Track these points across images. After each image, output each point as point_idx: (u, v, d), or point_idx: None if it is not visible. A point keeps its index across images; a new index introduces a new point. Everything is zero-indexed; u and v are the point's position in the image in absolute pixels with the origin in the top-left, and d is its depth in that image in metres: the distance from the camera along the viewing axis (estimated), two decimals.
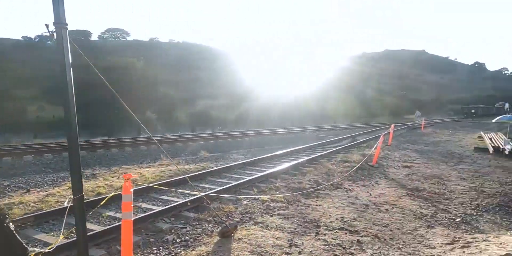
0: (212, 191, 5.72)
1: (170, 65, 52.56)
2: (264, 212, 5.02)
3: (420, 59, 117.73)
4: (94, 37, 70.98)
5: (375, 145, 9.99)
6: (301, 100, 44.29)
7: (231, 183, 6.45)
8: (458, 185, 7.53)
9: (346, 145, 12.54)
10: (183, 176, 6.40)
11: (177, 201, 5.21)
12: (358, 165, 8.51)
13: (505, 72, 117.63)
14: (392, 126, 14.35)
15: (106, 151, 11.34)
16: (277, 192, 6.05)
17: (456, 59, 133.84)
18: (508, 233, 4.30)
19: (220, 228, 4.14)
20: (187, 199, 5.16)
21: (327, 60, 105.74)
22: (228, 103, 39.30)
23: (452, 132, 22.49)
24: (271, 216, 4.86)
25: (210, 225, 4.44)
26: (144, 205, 5.30)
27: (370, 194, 6.36)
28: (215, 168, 7.94)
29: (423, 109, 50.23)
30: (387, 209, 5.42)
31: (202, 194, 5.00)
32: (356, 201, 5.84)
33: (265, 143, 15.20)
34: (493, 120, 14.20)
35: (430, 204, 5.95)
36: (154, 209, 4.86)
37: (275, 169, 7.64)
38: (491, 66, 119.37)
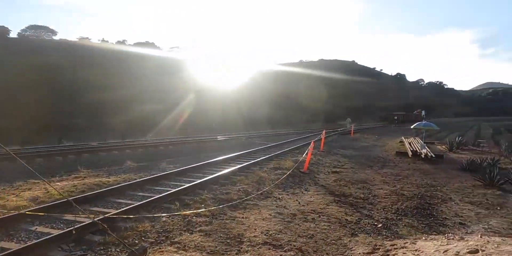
0: (126, 207, 5.10)
1: (102, 67, 49.11)
2: (184, 229, 4.56)
3: (351, 69, 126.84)
4: (14, 34, 63.69)
5: (306, 151, 10.10)
6: (239, 107, 44.50)
7: (152, 196, 5.86)
8: (381, 189, 7.85)
9: (280, 152, 12.57)
10: (67, 199, 5.64)
11: (83, 222, 4.50)
12: (289, 172, 8.46)
13: (422, 83, 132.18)
14: (324, 132, 14.84)
15: (10, 163, 9.82)
16: (202, 205, 5.62)
17: (381, 70, 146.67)
18: (423, 238, 4.42)
19: (127, 254, 3.59)
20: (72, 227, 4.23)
21: (266, 66, 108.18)
22: (165, 109, 37.77)
23: (378, 137, 24.21)
24: (191, 233, 4.42)
25: (118, 250, 3.85)
26: (40, 229, 4.48)
27: (299, 203, 6.26)
28: (137, 180, 7.22)
29: (354, 116, 53.89)
30: (313, 218, 5.32)
31: (98, 218, 4.37)
32: (284, 211, 5.67)
33: (201, 151, 14.63)
34: (411, 126, 15.47)
35: (355, 210, 6.02)
36: (52, 233, 4.12)
37: (204, 179, 7.20)
38: (410, 78, 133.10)
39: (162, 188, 6.77)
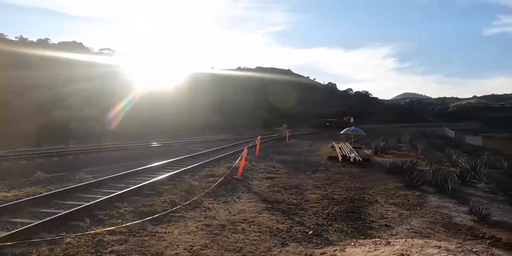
0: (20, 228, 4.22)
1: (17, 66, 43.62)
2: (92, 251, 3.88)
3: (287, 77, 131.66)
4: None
5: (239, 157, 9.83)
6: (177, 112, 43.02)
7: (58, 213, 5.00)
8: (313, 193, 7.87)
9: (214, 158, 12.14)
10: None
11: None
12: (221, 179, 8.07)
13: (350, 92, 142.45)
14: (259, 138, 14.81)
15: None
16: (119, 221, 4.94)
17: (315, 79, 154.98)
18: (352, 243, 4.37)
19: None
20: None
21: (204, 70, 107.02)
22: (94, 114, 34.72)
23: (312, 142, 25.10)
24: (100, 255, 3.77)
25: None
26: None
27: (230, 212, 5.90)
28: (43, 194, 6.21)
29: (290, 122, 55.78)
30: (243, 229, 4.99)
31: None
32: (213, 222, 5.25)
33: (130, 158, 13.49)
34: (341, 132, 16.23)
35: (287, 217, 5.84)
36: None
37: (125, 190, 6.46)
38: (340, 87, 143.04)
39: (73, 203, 5.88)
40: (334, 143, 21.58)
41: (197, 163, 10.77)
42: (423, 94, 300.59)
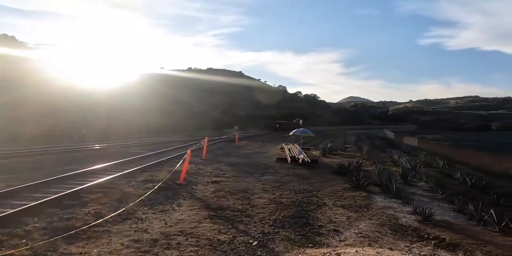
0: None
1: None
2: None
3: (239, 79, 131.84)
4: None
5: (182, 160, 9.11)
6: (123, 112, 40.46)
7: None
8: (261, 198, 7.44)
9: (156, 161, 11.25)
10: None
11: None
12: (160, 184, 7.32)
13: (300, 95, 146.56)
14: (206, 139, 14.14)
15: None
16: (23, 241, 4.03)
17: (266, 81, 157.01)
18: (299, 255, 3.96)
19: None
20: None
21: (155, 71, 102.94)
22: (26, 115, 31.14)
23: (261, 144, 24.93)
24: None
25: None
26: None
27: (166, 223, 5.21)
28: None
29: (241, 123, 55.46)
30: (179, 243, 4.36)
31: None
32: (144, 236, 4.54)
33: (60, 163, 11.99)
34: (290, 133, 16.16)
35: (230, 226, 5.31)
36: None
37: (40, 202, 5.46)
38: (290, 90, 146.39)
39: None
40: (283, 144, 21.57)
41: (135, 167, 9.82)
42: (367, 98, 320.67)
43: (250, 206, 6.65)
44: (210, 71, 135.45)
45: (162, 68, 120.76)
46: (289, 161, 13.63)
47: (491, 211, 5.85)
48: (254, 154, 17.58)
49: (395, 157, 15.73)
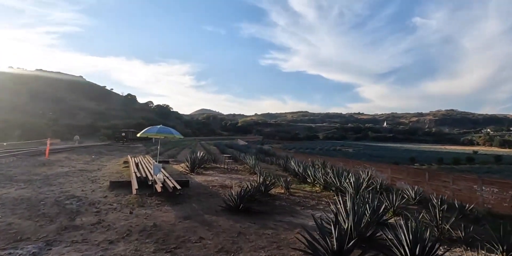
0: None
1: None
2: None
3: (78, 85, 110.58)
4: None
5: None
6: None
7: None
8: None
9: None
10: None
11: None
12: None
13: (151, 105, 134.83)
14: None
15: None
16: None
17: (112, 89, 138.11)
18: None
19: None
20: None
21: None
22: None
23: (96, 157, 16.87)
24: None
25: None
26: None
27: None
28: None
29: (79, 133, 43.16)
30: None
31: None
32: None
33: None
34: (138, 135, 9.42)
35: None
36: None
37: None
38: (141, 100, 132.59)
39: None
40: (129, 156, 14.51)
41: None
42: (217, 111, 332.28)
43: None
44: (41, 73, 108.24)
45: None
46: (135, 188, 7.06)
47: None
48: (71, 174, 9.95)
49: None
